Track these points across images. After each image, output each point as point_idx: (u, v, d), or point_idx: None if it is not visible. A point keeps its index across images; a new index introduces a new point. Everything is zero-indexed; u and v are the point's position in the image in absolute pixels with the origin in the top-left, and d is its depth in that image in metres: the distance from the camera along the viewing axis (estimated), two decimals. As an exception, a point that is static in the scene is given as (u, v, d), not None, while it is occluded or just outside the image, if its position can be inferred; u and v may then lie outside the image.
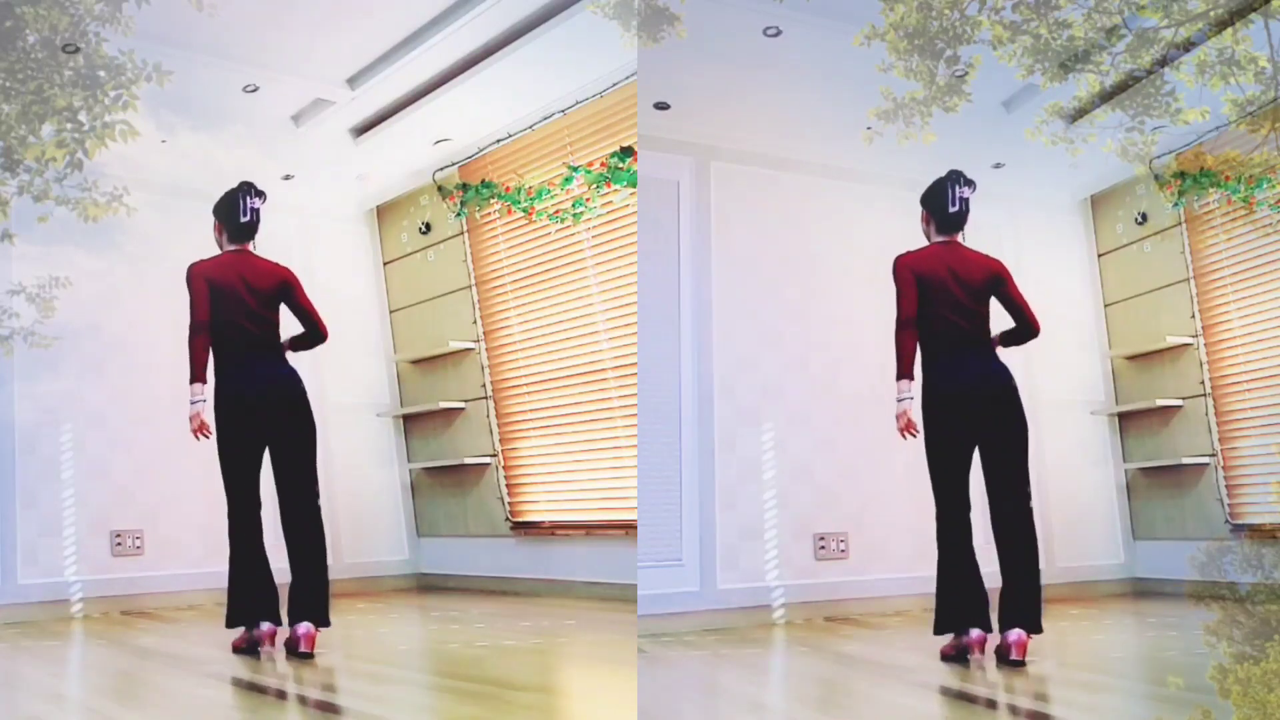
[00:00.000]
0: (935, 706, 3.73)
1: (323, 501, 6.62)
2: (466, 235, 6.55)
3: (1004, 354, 4.93)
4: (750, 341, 5.51)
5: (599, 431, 5.91)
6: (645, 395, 5.25)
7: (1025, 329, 4.39)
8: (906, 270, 4.24)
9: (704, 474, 5.34)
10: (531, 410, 6.28)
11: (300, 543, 4.41)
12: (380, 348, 6.96)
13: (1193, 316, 5.90)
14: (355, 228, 6.95)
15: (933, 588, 4.46)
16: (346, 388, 6.77)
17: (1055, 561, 6.10)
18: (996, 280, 4.29)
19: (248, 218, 4.44)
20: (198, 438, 4.31)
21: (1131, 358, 6.26)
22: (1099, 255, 6.40)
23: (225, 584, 4.67)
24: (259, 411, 4.34)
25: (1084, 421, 6.32)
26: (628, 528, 5.59)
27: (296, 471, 4.40)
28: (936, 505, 4.32)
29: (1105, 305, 6.39)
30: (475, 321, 6.53)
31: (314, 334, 4.64)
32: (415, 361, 6.84)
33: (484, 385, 6.50)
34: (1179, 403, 5.98)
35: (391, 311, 6.98)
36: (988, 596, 4.31)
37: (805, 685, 4.18)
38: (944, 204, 4.29)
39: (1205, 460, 5.84)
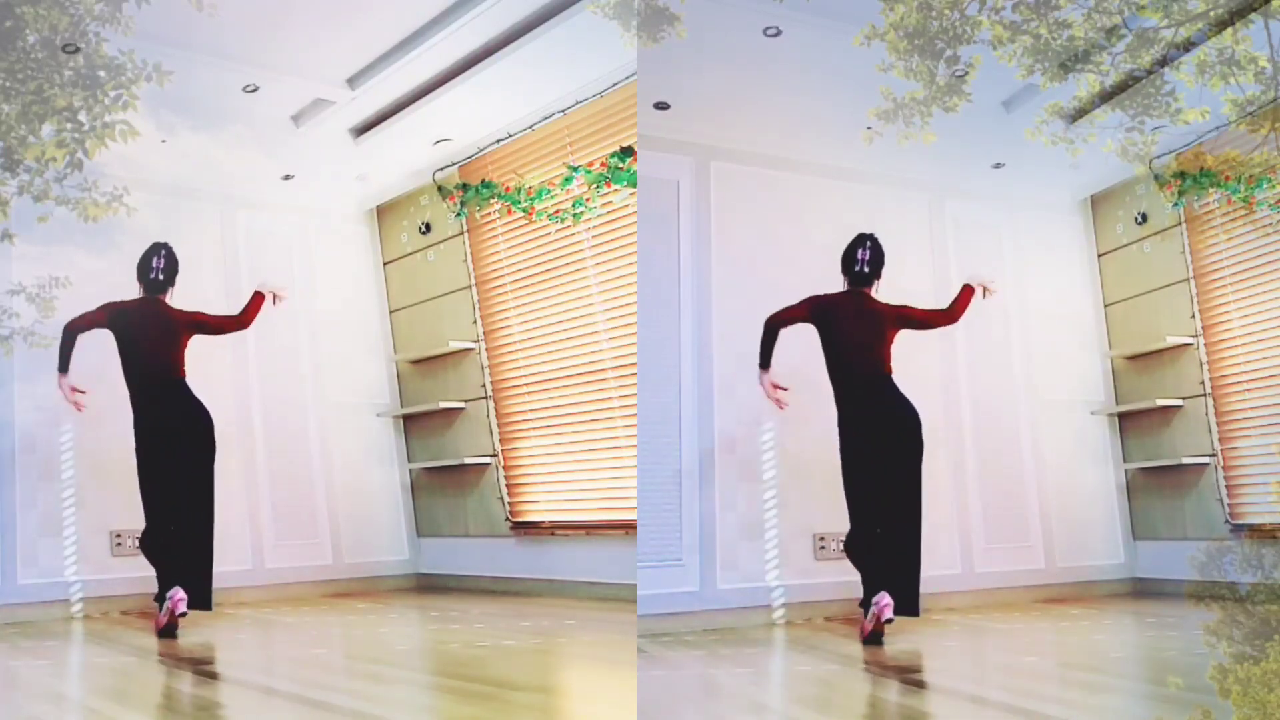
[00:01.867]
0: (935, 706, 3.73)
1: (323, 501, 6.63)
2: (466, 235, 6.55)
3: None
4: (750, 341, 5.49)
5: (599, 431, 5.91)
6: (645, 395, 5.25)
7: (933, 318, 5.05)
8: (808, 301, 4.95)
9: (704, 474, 5.34)
10: (531, 410, 6.28)
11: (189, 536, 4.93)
12: (380, 348, 6.96)
13: (1193, 316, 5.90)
14: (355, 228, 6.95)
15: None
16: (346, 388, 6.78)
17: (1055, 561, 6.10)
18: (899, 317, 4.92)
19: (153, 275, 5.09)
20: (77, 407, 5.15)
21: (1131, 358, 6.25)
22: (1099, 255, 6.40)
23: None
24: (173, 438, 4.98)
25: (1084, 421, 6.32)
26: (628, 528, 5.59)
27: (195, 482, 4.99)
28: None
29: (1105, 305, 6.39)
30: (475, 321, 6.53)
31: (232, 325, 5.30)
32: (415, 361, 6.84)
33: (484, 385, 6.50)
34: (1179, 403, 5.98)
35: (391, 311, 6.98)
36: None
37: (805, 685, 4.18)
38: (850, 265, 4.96)
39: (1205, 460, 5.84)
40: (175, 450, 4.99)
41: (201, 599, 4.91)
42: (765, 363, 4.95)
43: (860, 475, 4.81)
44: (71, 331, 5.09)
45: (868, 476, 4.78)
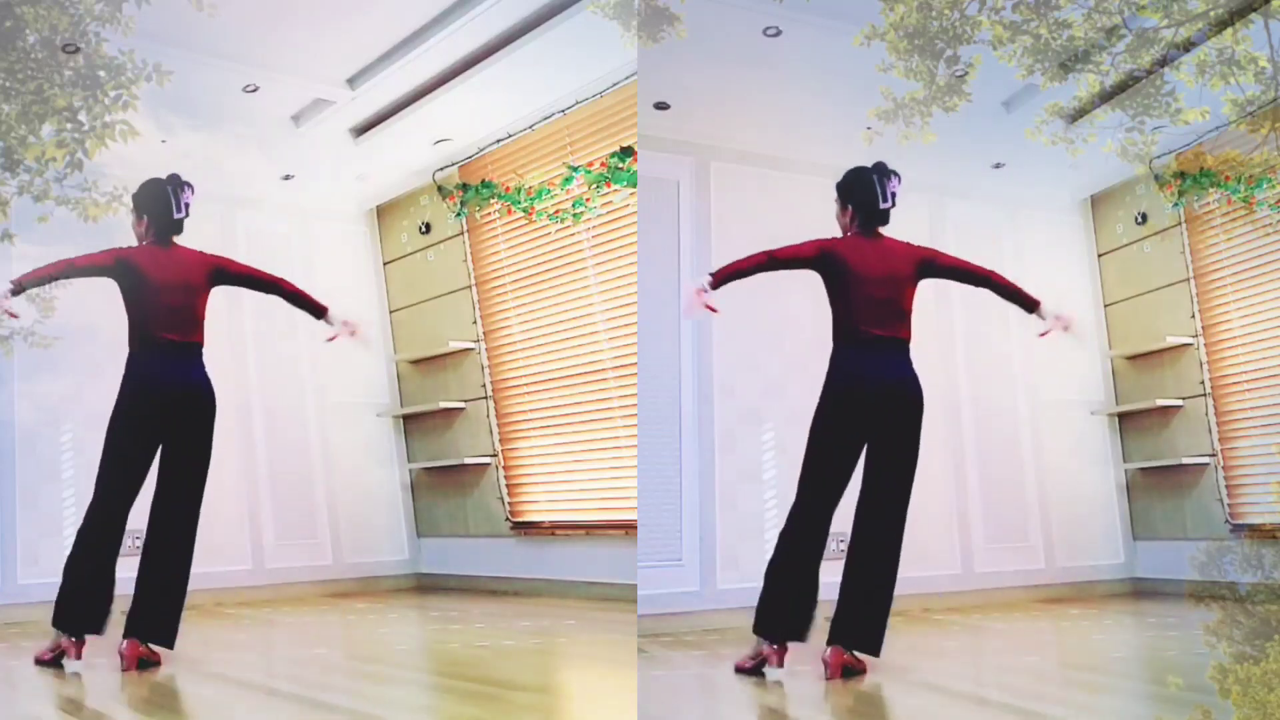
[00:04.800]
0: (935, 706, 3.73)
1: (322, 501, 6.59)
2: (466, 235, 6.55)
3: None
4: (750, 341, 5.51)
5: (599, 431, 5.91)
6: (645, 395, 5.25)
7: (986, 281, 4.22)
8: (817, 243, 4.10)
9: (704, 474, 5.34)
10: (531, 410, 6.28)
11: (167, 556, 4.18)
12: (380, 348, 6.96)
13: (1193, 316, 5.90)
14: (355, 228, 6.95)
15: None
16: (346, 388, 6.78)
17: (1055, 561, 6.10)
18: (927, 264, 4.12)
19: (182, 214, 4.24)
20: None
21: (1131, 358, 6.26)
22: (1099, 255, 6.40)
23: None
24: (160, 412, 4.18)
25: (1084, 421, 6.32)
26: (628, 528, 5.59)
27: (183, 482, 4.23)
28: (796, 498, 4.09)
29: (1105, 305, 6.39)
30: (475, 321, 6.53)
31: (279, 291, 4.52)
32: (415, 361, 6.85)
33: (484, 385, 6.50)
34: (1179, 403, 5.98)
35: (391, 311, 6.98)
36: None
37: (805, 685, 4.18)
38: (873, 199, 4.08)
39: (1205, 460, 5.84)
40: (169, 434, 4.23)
41: (166, 631, 4.16)
42: (720, 279, 4.10)
43: (833, 465, 4.05)
44: (69, 266, 4.25)
45: (842, 468, 4.04)
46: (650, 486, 5.24)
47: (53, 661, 4.20)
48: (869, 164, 4.14)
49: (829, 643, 4.01)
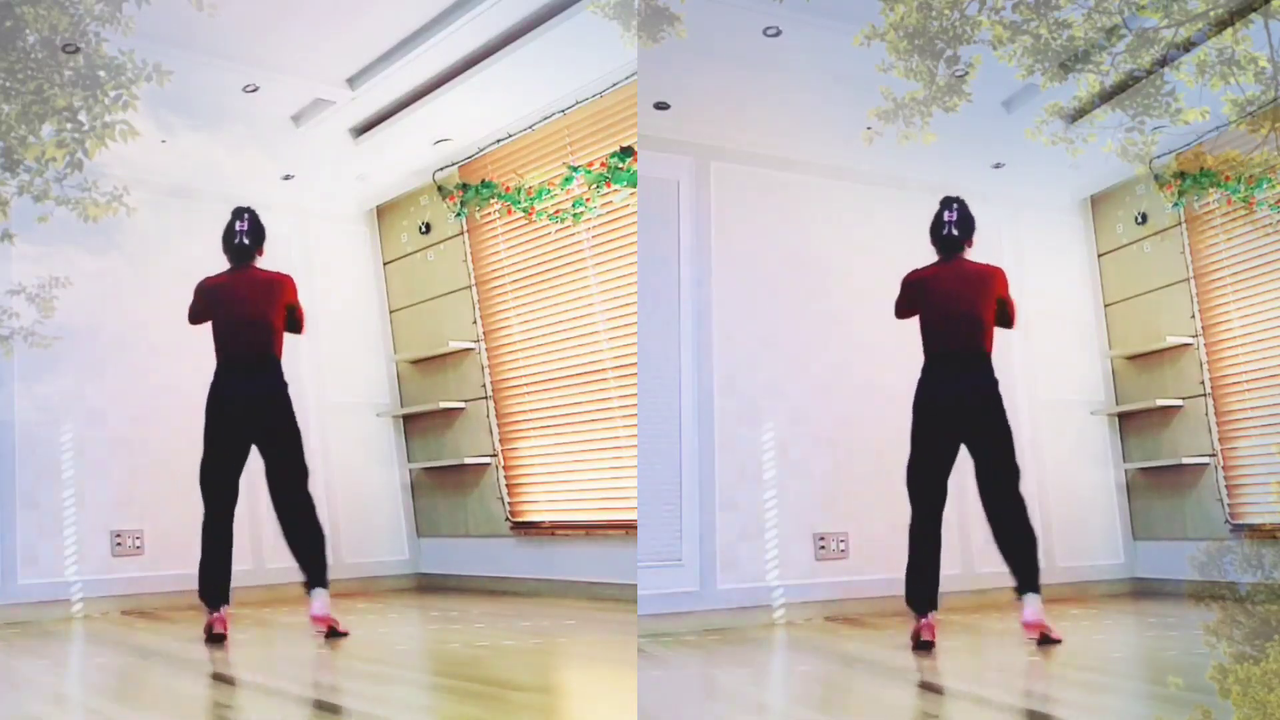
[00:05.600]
0: (936, 706, 3.73)
1: (322, 501, 6.65)
2: (466, 235, 6.55)
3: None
4: (750, 341, 5.51)
5: (599, 431, 5.91)
6: (645, 395, 5.25)
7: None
8: (907, 286, 4.72)
9: (704, 474, 5.34)
10: (531, 410, 6.28)
11: (302, 520, 4.83)
12: (380, 348, 6.96)
13: (1193, 316, 5.90)
14: (355, 228, 6.95)
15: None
16: (346, 388, 6.77)
17: (1055, 561, 6.10)
18: (999, 280, 4.68)
19: (237, 241, 4.91)
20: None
21: (1131, 358, 6.26)
22: (1099, 255, 6.40)
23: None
24: (244, 420, 4.74)
25: (1084, 421, 6.32)
26: (628, 528, 5.59)
27: (286, 466, 4.80)
28: (910, 502, 4.62)
29: (1105, 305, 6.39)
30: (475, 321, 6.53)
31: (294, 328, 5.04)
32: (415, 361, 6.85)
33: (484, 385, 6.50)
34: (1179, 403, 5.98)
35: (391, 311, 6.98)
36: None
37: (805, 685, 4.18)
38: (937, 229, 4.73)
39: (1205, 460, 5.84)
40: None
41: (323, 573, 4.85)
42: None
43: (930, 469, 4.56)
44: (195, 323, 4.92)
45: (938, 470, 4.55)
46: (650, 486, 5.24)
47: (211, 639, 4.68)
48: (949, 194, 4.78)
49: (1019, 592, 4.56)
